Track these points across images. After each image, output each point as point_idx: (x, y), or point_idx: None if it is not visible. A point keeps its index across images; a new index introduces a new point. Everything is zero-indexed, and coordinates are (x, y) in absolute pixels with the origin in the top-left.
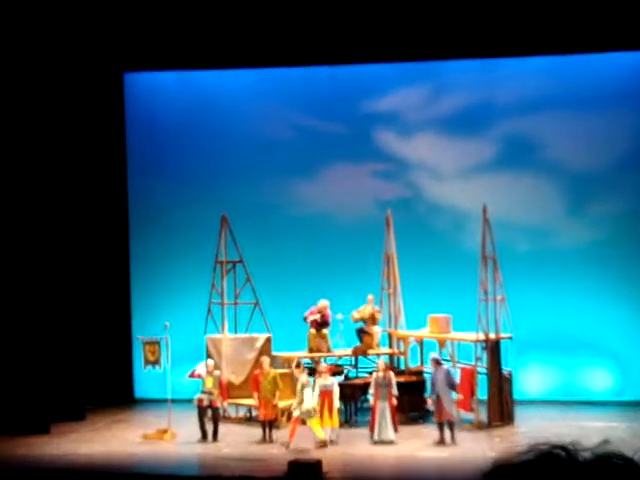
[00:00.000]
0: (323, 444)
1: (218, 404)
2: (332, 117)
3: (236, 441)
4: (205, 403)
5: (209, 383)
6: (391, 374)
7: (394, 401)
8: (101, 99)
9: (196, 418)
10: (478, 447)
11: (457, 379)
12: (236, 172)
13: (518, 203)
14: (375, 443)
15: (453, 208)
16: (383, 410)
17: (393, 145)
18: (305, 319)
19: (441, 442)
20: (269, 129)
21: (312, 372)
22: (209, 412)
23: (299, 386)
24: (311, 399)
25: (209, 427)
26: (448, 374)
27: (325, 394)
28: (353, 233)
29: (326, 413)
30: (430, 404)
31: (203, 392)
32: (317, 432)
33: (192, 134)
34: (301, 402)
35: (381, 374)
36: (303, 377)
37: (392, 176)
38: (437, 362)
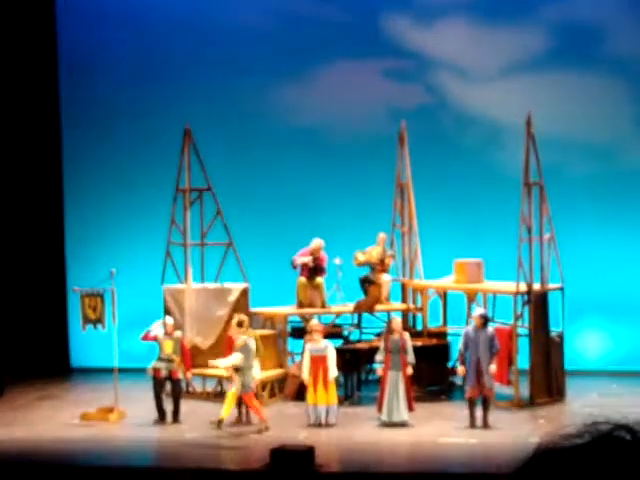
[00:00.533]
0: (219, 423)
1: (180, 375)
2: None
3: (203, 423)
4: (163, 373)
5: (168, 347)
6: (406, 336)
7: (409, 371)
8: None
9: (151, 393)
10: (517, 431)
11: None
12: (203, 71)
13: (572, 112)
14: (384, 425)
15: (487, 119)
16: (395, 383)
17: (409, 36)
18: (293, 264)
19: (472, 424)
20: (247, 16)
21: (301, 333)
22: (168, 385)
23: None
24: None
25: (168, 405)
26: (493, 339)
27: (318, 361)
28: (356, 152)
29: (320, 386)
30: (461, 374)
31: (160, 359)
32: (225, 408)
33: (143, 24)
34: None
35: (394, 336)
36: (241, 339)
37: (408, 77)
38: (485, 320)
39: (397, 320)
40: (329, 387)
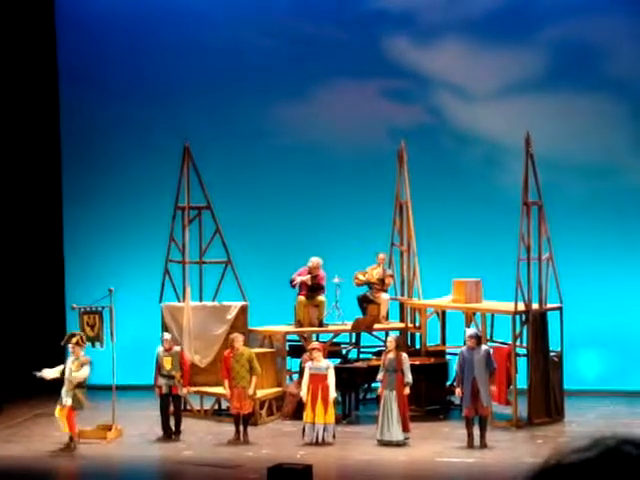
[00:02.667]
0: (70, 445)
1: (179, 391)
2: (328, 19)
3: (200, 441)
4: (164, 391)
5: (167, 364)
6: (403, 356)
7: (406, 391)
8: None
9: (149, 411)
10: (515, 450)
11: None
12: (203, 90)
13: (571, 131)
14: (380, 444)
15: (486, 138)
16: (389, 402)
17: (409, 56)
18: (292, 283)
19: (470, 444)
20: (246, 36)
21: (299, 352)
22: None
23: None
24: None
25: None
26: (489, 357)
27: (318, 379)
28: (355, 171)
29: (319, 405)
30: (458, 395)
31: (161, 376)
32: (62, 424)
33: (144, 40)
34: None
35: (390, 355)
36: (84, 356)
37: (407, 97)
38: (478, 339)
39: (392, 339)
40: (329, 407)
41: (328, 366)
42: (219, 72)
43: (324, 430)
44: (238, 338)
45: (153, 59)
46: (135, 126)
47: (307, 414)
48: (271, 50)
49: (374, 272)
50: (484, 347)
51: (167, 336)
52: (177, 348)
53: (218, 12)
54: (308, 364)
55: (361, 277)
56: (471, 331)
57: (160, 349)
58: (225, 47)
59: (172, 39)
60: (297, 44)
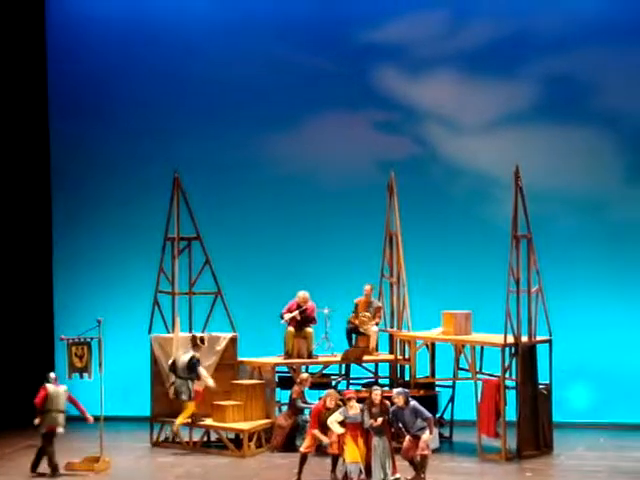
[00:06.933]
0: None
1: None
2: (318, 50)
3: (187, 474)
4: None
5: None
6: (387, 405)
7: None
8: (17, 22)
9: (137, 443)
10: None
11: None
12: (192, 121)
13: (561, 164)
14: None
15: (476, 171)
16: (379, 447)
17: (399, 88)
18: (282, 317)
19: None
20: (235, 66)
21: (288, 383)
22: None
23: None
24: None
25: None
26: (416, 412)
27: (356, 427)
28: (345, 203)
29: (361, 444)
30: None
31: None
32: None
33: (133, 71)
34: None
35: (375, 409)
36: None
37: (397, 128)
38: (406, 400)
39: (379, 393)
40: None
41: (362, 409)
42: (209, 103)
43: (360, 470)
44: (333, 397)
45: (143, 90)
46: (125, 156)
47: (350, 453)
48: (261, 81)
49: (364, 317)
50: (412, 403)
51: (53, 375)
52: (63, 387)
53: (209, 42)
54: (342, 411)
55: (355, 322)
56: (396, 389)
57: (51, 387)
58: (215, 78)
59: (162, 69)
60: (287, 75)
